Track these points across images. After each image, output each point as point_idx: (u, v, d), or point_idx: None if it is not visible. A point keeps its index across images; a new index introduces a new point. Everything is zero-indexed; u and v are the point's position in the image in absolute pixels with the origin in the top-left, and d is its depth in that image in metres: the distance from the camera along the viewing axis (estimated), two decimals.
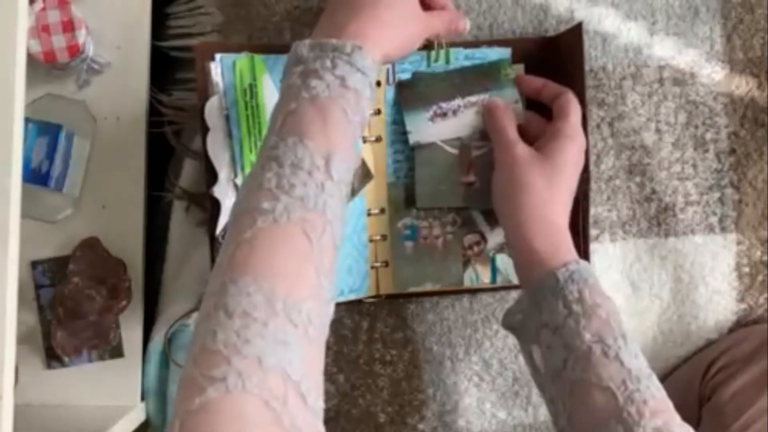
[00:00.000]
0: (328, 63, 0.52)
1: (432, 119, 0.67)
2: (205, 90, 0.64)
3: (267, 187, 0.49)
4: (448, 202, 0.68)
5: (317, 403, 0.46)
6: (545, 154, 0.62)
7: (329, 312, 0.50)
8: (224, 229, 0.63)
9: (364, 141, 0.68)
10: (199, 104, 0.63)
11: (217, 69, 0.63)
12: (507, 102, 0.67)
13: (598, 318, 0.55)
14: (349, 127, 0.52)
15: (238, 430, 0.41)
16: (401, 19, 0.58)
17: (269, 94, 0.64)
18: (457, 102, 0.67)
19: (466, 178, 0.68)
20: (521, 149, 0.62)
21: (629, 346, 0.55)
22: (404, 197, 0.69)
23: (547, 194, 0.61)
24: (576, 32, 0.66)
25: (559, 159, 0.61)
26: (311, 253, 0.48)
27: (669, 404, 0.53)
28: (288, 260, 0.47)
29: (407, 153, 0.68)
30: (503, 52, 0.68)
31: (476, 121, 0.67)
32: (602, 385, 0.53)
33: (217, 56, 0.63)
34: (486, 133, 0.67)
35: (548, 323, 0.57)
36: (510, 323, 0.62)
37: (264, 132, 0.64)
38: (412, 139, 0.67)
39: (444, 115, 0.68)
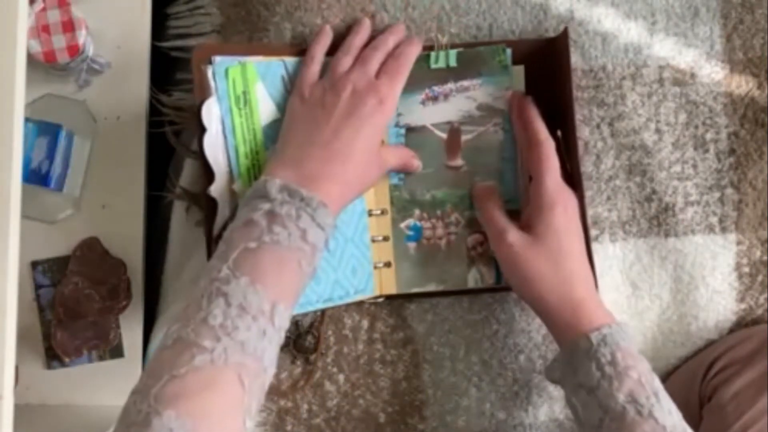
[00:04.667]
0: (293, 212, 0.55)
1: (423, 102, 0.68)
2: (202, 92, 0.64)
3: (212, 323, 0.50)
4: (435, 186, 0.69)
5: None
6: (536, 235, 0.63)
7: None
8: (222, 229, 0.64)
9: None
10: (197, 106, 0.63)
11: (211, 75, 0.63)
12: (490, 185, 0.68)
13: (630, 379, 0.58)
14: (300, 278, 0.55)
15: None
16: (363, 177, 0.61)
17: (262, 101, 0.65)
18: (450, 86, 0.68)
19: (454, 162, 0.69)
20: (513, 238, 0.63)
21: (662, 404, 0.57)
22: (407, 198, 0.69)
23: (557, 278, 0.62)
24: (563, 38, 0.66)
25: (551, 240, 0.62)
26: (242, 398, 0.50)
27: None
28: (216, 403, 0.48)
29: None
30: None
31: (467, 105, 0.68)
32: None
33: (213, 61, 0.63)
34: (476, 118, 0.68)
35: (583, 384, 0.59)
36: (552, 378, 0.64)
37: (259, 138, 0.64)
38: (402, 121, 0.68)
39: (435, 98, 0.68)
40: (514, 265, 0.64)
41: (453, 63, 0.67)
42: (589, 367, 0.59)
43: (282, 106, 0.65)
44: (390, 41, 0.66)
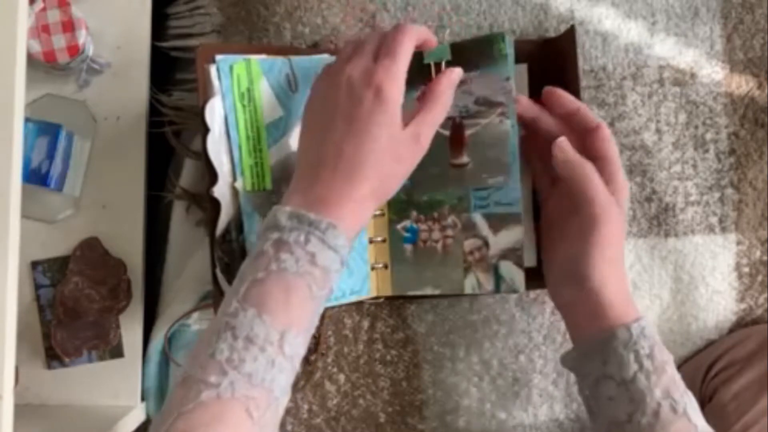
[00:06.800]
0: (302, 238, 0.53)
1: (419, 99, 0.63)
2: (205, 91, 0.64)
3: (218, 358, 0.50)
4: (442, 186, 0.66)
5: None
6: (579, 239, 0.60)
7: None
8: (225, 230, 0.64)
9: None
10: (200, 105, 0.63)
11: (215, 73, 0.63)
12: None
13: (666, 374, 0.57)
14: (311, 303, 0.53)
15: None
16: (382, 184, 0.57)
17: (266, 97, 0.64)
18: None
19: (459, 159, 0.66)
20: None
21: (693, 402, 0.56)
22: (404, 200, 0.69)
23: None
24: (569, 36, 0.65)
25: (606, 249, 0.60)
26: (251, 430, 0.49)
27: None
28: None
29: None
30: None
31: (464, 100, 0.64)
32: None
33: (216, 59, 0.63)
34: (476, 113, 0.64)
35: (613, 375, 0.57)
36: (570, 365, 0.62)
37: (262, 135, 0.64)
38: None
39: None
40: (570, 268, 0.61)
41: (447, 57, 0.63)
42: (625, 358, 0.57)
43: (286, 105, 0.65)
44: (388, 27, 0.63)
